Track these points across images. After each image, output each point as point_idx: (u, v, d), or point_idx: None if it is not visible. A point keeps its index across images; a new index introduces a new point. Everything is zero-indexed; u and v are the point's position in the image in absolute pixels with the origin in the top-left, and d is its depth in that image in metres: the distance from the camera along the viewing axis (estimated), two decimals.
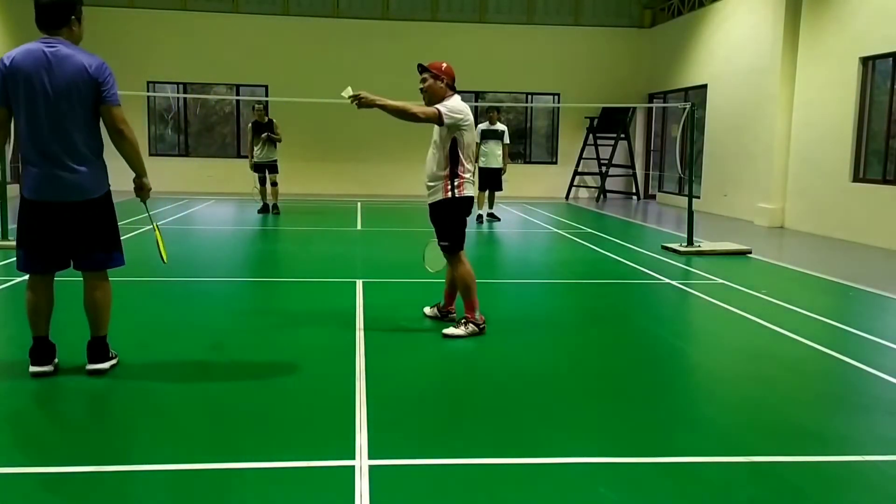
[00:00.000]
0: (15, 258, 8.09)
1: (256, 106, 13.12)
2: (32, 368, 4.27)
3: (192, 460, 3.21)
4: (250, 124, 13.06)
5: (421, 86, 5.23)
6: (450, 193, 5.17)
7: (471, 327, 5.26)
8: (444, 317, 5.69)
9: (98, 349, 4.33)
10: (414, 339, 5.41)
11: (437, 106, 5.08)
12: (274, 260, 9.31)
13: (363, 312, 5.96)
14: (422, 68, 5.34)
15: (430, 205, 5.32)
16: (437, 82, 5.23)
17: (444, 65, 5.36)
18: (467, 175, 5.24)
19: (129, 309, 6.06)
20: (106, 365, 4.32)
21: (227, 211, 14.54)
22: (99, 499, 2.87)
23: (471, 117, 5.24)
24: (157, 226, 4.81)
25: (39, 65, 3.95)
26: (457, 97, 5.29)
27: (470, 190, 5.26)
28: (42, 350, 4.31)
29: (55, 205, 4.13)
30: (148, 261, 8.63)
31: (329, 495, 2.92)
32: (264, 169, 13.07)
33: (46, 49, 3.97)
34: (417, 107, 5.09)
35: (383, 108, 4.90)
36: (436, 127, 5.19)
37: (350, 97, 4.88)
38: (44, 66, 3.95)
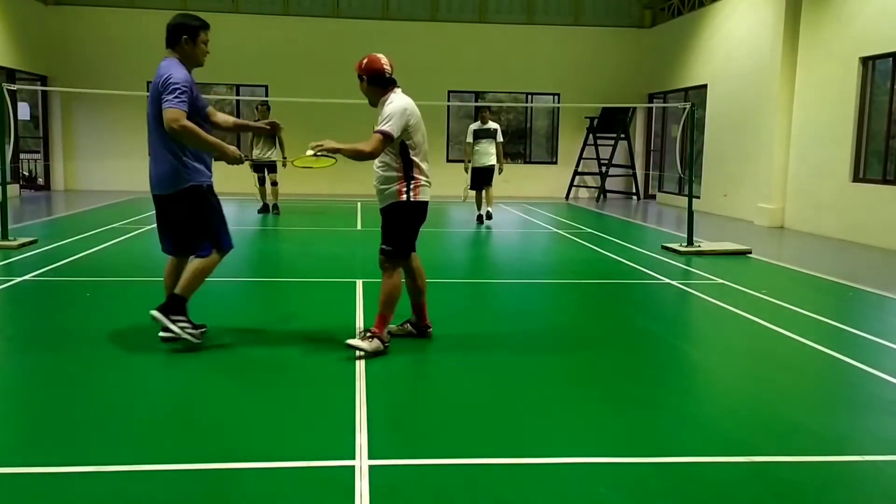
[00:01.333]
0: (14, 258, 8.10)
1: (260, 107, 13.06)
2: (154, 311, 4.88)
3: (192, 460, 3.21)
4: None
5: (319, 151, 4.67)
6: (404, 196, 4.74)
7: (376, 343, 4.72)
8: (423, 332, 5.21)
9: (168, 303, 4.82)
10: (414, 339, 5.40)
11: (377, 130, 4.59)
12: (274, 260, 9.31)
13: (363, 312, 5.96)
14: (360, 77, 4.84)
15: (383, 210, 4.86)
16: (363, 84, 4.78)
17: (365, 60, 4.76)
18: (423, 178, 4.81)
19: (129, 309, 6.06)
20: (159, 315, 4.74)
21: (226, 211, 14.51)
22: (99, 499, 2.87)
23: (417, 115, 4.74)
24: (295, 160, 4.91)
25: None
26: (398, 95, 4.76)
27: (426, 194, 4.84)
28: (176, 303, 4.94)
29: (155, 197, 4.89)
30: (147, 261, 8.64)
31: (329, 495, 2.92)
32: (263, 168, 12.97)
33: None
34: (364, 143, 4.61)
35: (341, 152, 4.62)
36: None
37: (312, 150, 4.63)
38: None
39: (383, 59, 4.79)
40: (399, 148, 4.71)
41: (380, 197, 4.86)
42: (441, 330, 5.64)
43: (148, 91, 4.72)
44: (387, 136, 4.58)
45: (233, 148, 4.79)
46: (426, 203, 4.86)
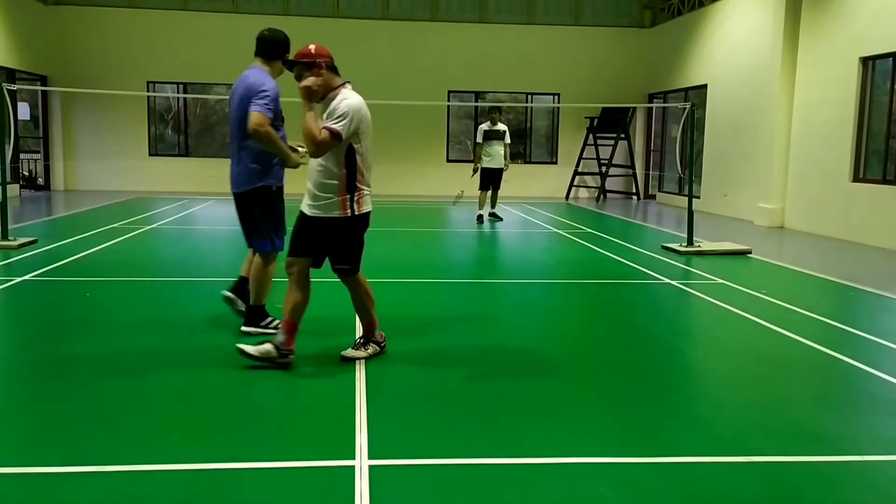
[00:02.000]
0: (14, 258, 8.10)
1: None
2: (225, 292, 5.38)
3: (192, 460, 3.21)
4: None
5: (302, 85, 4.23)
6: (349, 211, 4.35)
7: (372, 348, 4.68)
8: (382, 349, 4.81)
9: (250, 314, 5.23)
10: (414, 339, 5.40)
11: (327, 127, 4.16)
12: None
13: None
14: (290, 64, 4.45)
15: (317, 219, 4.39)
16: (314, 72, 4.27)
17: (313, 47, 4.36)
18: (366, 188, 4.44)
19: (128, 308, 6.06)
20: (252, 328, 5.16)
21: (227, 211, 14.52)
22: (99, 499, 2.87)
23: (369, 118, 4.37)
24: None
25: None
26: (352, 92, 4.36)
27: (369, 203, 4.48)
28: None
29: (233, 194, 5.15)
30: (147, 261, 8.64)
31: (329, 495, 2.92)
32: None
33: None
34: (317, 132, 4.14)
35: (309, 104, 4.20)
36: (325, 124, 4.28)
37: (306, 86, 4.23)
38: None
39: None
40: (345, 153, 4.29)
41: (313, 202, 4.40)
42: (441, 330, 5.65)
43: (256, 100, 4.83)
44: (335, 136, 4.16)
45: (295, 155, 5.03)
46: (370, 213, 4.51)
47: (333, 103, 4.26)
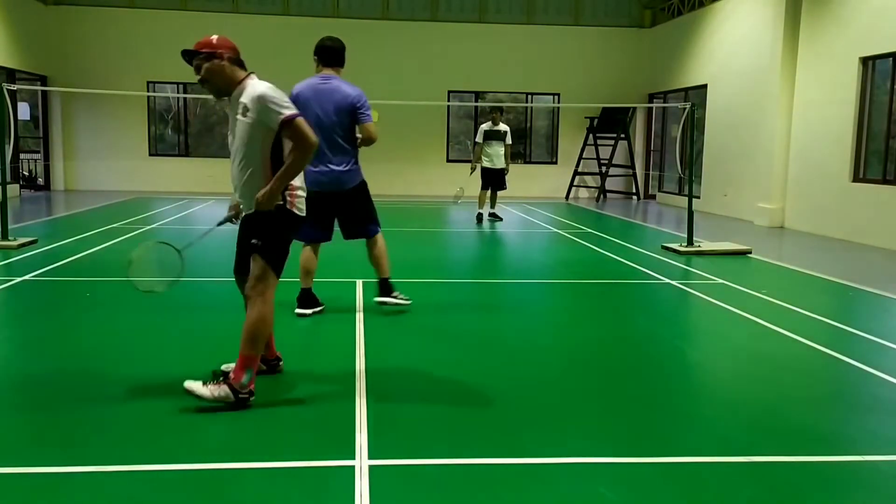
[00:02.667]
0: (14, 258, 8.10)
1: None
2: (298, 311, 5.78)
3: (192, 460, 3.21)
4: None
5: (199, 77, 3.78)
6: (281, 200, 3.84)
7: (223, 391, 3.70)
8: (272, 369, 4.31)
9: (383, 287, 5.94)
10: (414, 339, 5.41)
11: (289, 116, 3.70)
12: None
13: (363, 312, 5.96)
14: (189, 54, 3.80)
15: (248, 216, 3.96)
16: (217, 61, 3.75)
17: (215, 38, 3.82)
18: (299, 186, 3.92)
19: (128, 309, 6.06)
20: (388, 299, 5.92)
21: (226, 211, 14.53)
22: (99, 499, 2.87)
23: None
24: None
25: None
26: (259, 81, 3.82)
27: (302, 204, 3.95)
28: (308, 298, 5.80)
29: (333, 194, 5.58)
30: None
31: (329, 495, 2.92)
32: None
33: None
34: (295, 147, 3.70)
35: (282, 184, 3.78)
36: (239, 122, 3.78)
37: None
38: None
39: None
40: (271, 146, 3.78)
41: (245, 201, 3.94)
42: (441, 330, 5.65)
43: (363, 108, 5.49)
44: (301, 117, 3.74)
45: None
46: (301, 218, 3.96)
47: (244, 97, 3.75)
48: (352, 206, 5.68)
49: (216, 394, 3.71)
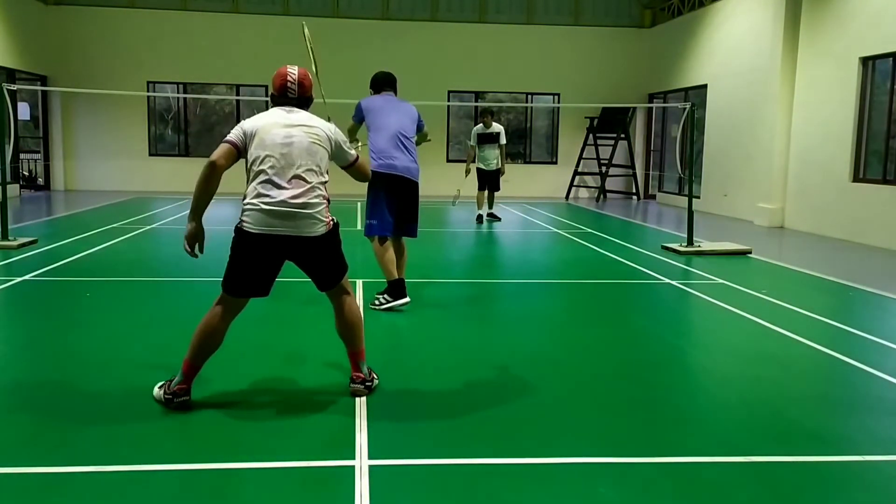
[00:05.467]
0: (14, 258, 8.09)
1: None
2: (398, 302, 6.02)
3: (192, 460, 3.21)
4: None
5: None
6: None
7: (158, 394, 3.80)
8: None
9: (401, 287, 6.10)
10: (414, 339, 5.41)
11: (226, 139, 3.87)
12: None
13: (363, 312, 5.95)
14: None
15: None
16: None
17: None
18: (253, 205, 3.74)
19: (129, 309, 6.07)
20: (396, 302, 6.05)
21: (226, 211, 14.53)
22: (99, 499, 2.87)
23: (265, 125, 3.84)
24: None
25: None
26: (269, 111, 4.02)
27: (256, 222, 3.71)
28: (401, 286, 6.06)
29: (407, 181, 6.04)
30: (147, 261, 8.64)
31: (329, 495, 2.92)
32: None
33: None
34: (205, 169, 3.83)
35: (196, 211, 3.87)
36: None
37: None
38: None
39: (287, 76, 4.02)
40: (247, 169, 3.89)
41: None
42: (440, 330, 5.65)
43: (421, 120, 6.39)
44: (228, 143, 3.86)
45: None
46: (251, 235, 3.72)
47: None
48: (411, 200, 6.09)
49: (155, 394, 3.85)
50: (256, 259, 3.79)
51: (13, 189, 14.03)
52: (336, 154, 4.05)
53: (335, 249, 3.96)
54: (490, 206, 13.00)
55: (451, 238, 11.63)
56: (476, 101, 19.32)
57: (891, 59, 10.72)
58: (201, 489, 2.96)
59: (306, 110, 4.05)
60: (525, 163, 19.72)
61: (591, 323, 6.14)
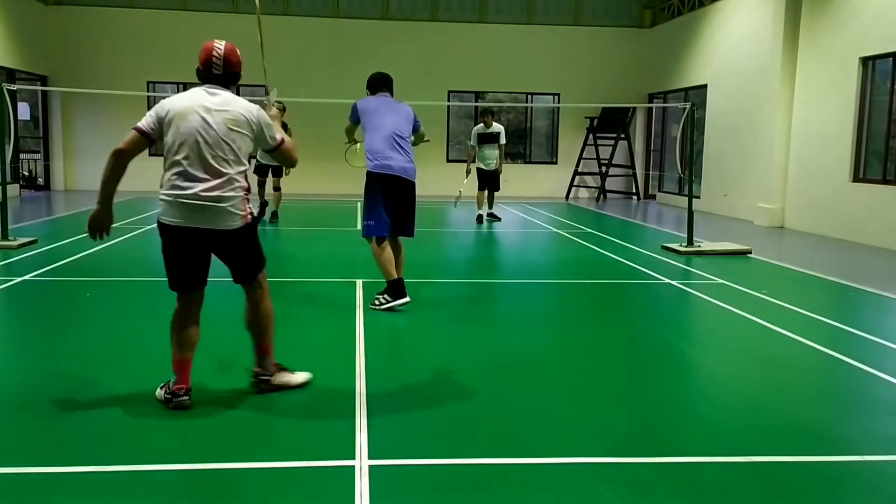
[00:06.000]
0: (14, 258, 8.10)
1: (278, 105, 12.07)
2: (398, 302, 5.99)
3: (192, 460, 3.21)
4: None
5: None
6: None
7: (159, 393, 3.85)
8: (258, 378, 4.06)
9: (400, 287, 6.08)
10: (414, 340, 5.41)
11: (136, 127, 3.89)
12: (274, 260, 9.28)
13: (363, 312, 5.95)
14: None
15: None
16: None
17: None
18: (166, 195, 3.72)
19: (128, 309, 6.07)
20: (396, 302, 6.02)
21: None
22: (99, 499, 2.87)
23: (180, 109, 3.77)
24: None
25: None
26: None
27: (169, 214, 3.71)
28: (400, 286, 6.04)
29: (404, 181, 6.05)
30: (147, 261, 8.64)
31: (329, 495, 2.92)
32: (268, 171, 11.72)
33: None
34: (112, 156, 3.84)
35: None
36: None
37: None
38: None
39: (213, 50, 4.00)
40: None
41: None
42: (440, 330, 5.65)
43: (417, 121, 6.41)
44: (136, 130, 3.88)
45: None
46: (170, 228, 3.71)
47: None
48: (410, 199, 6.13)
49: (157, 395, 3.85)
50: (180, 252, 3.75)
51: (13, 189, 14.03)
52: (258, 137, 3.85)
53: (251, 243, 3.89)
54: (490, 206, 12.99)
55: (451, 238, 11.63)
56: (476, 101, 19.32)
57: (891, 59, 10.72)
58: (201, 489, 2.96)
59: (231, 89, 3.93)
60: (525, 163, 19.72)
61: (590, 323, 6.14)
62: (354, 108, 6.22)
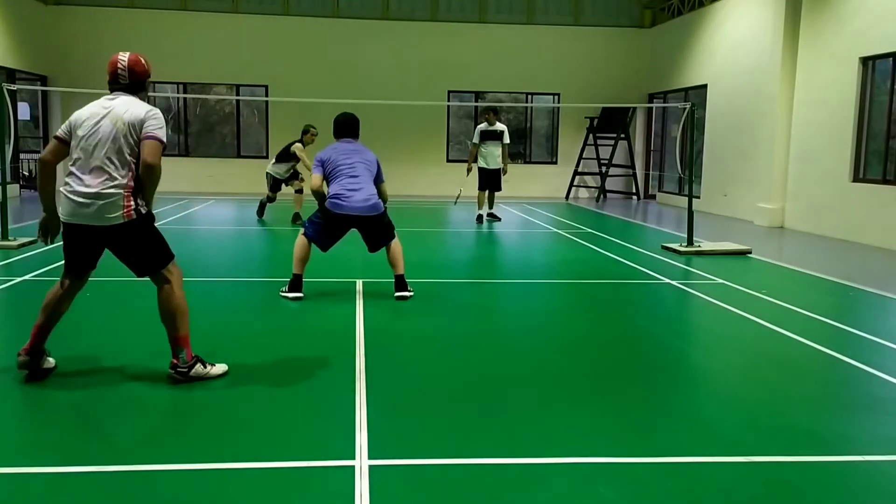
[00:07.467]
0: (14, 258, 8.09)
1: (312, 129, 11.64)
2: (292, 294, 6.26)
3: (192, 460, 3.21)
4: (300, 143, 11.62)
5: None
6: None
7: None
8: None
9: (401, 282, 6.40)
10: (414, 339, 5.41)
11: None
12: (274, 260, 9.30)
13: (363, 312, 5.96)
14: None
15: None
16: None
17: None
18: (61, 189, 4.09)
19: (128, 308, 6.07)
20: (406, 293, 6.37)
21: (226, 211, 14.54)
22: (99, 499, 2.87)
23: (84, 115, 4.16)
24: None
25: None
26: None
27: (67, 209, 4.05)
28: (299, 283, 6.31)
29: (366, 218, 6.29)
30: None
31: (329, 495, 2.92)
32: (280, 185, 11.81)
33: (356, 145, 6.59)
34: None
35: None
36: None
37: None
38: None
39: (118, 62, 4.62)
40: None
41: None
42: (441, 330, 5.65)
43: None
44: (55, 138, 4.15)
45: None
46: (63, 223, 4.09)
47: None
48: (378, 227, 6.36)
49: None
50: (71, 244, 4.12)
51: (13, 189, 14.03)
52: (140, 140, 4.03)
53: (141, 239, 4.09)
54: (490, 206, 12.98)
55: (452, 238, 11.63)
56: (476, 101, 19.32)
57: (891, 59, 10.72)
58: (201, 489, 2.96)
59: (139, 95, 4.31)
60: (525, 163, 19.72)
61: (590, 323, 6.13)
62: (317, 163, 6.35)
